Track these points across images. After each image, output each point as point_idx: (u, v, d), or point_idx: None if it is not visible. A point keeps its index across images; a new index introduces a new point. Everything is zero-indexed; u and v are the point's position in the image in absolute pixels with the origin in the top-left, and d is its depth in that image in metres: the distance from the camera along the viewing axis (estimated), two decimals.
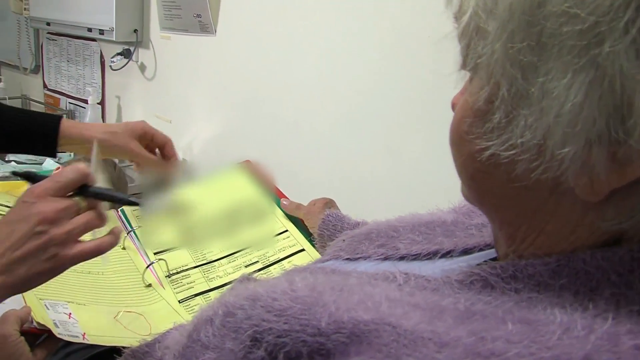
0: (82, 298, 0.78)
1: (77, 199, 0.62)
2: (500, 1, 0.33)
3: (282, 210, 0.96)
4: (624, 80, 0.29)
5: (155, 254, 0.90)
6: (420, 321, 0.32)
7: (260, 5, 1.56)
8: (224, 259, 0.90)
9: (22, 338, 0.65)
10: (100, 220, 0.63)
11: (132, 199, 0.67)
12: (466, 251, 0.48)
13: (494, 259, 0.44)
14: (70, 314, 0.74)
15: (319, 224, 0.88)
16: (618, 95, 0.29)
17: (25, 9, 2.37)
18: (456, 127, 0.38)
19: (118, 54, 2.00)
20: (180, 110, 1.90)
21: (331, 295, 0.36)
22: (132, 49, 1.98)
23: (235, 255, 0.90)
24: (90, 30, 2.00)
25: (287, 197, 0.97)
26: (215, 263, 0.90)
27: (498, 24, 0.33)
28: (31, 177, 0.66)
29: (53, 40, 2.45)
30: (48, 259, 0.58)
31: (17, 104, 2.62)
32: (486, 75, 0.34)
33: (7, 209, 0.87)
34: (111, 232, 0.64)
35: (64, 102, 2.45)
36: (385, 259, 0.51)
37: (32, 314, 0.69)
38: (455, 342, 0.31)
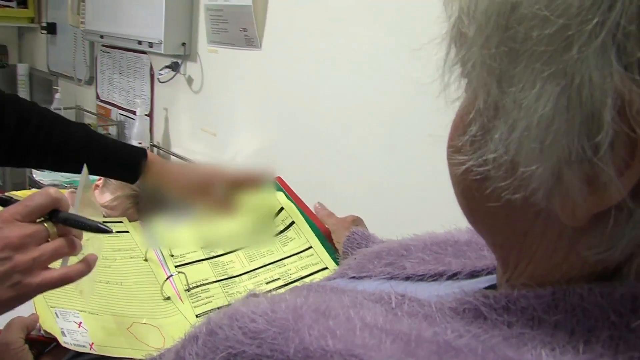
0: (96, 307, 0.78)
1: (46, 224, 0.60)
2: (479, 4, 0.30)
3: (309, 225, 0.95)
4: (593, 90, 0.26)
5: (176, 267, 0.90)
6: (390, 355, 0.30)
7: (304, 21, 1.55)
8: (245, 274, 0.89)
9: (26, 346, 0.64)
10: (71, 248, 0.61)
11: (103, 226, 0.63)
12: (473, 274, 0.45)
13: (494, 286, 0.41)
14: (80, 322, 0.73)
15: (343, 241, 0.86)
16: (587, 107, 0.26)
17: (81, 22, 2.44)
18: (448, 141, 0.36)
19: (166, 66, 2.03)
20: (225, 123, 1.91)
21: (309, 320, 0.33)
22: (179, 62, 2.00)
23: (257, 271, 0.90)
24: (140, 42, 2.04)
25: (314, 215, 0.96)
26: (237, 279, 0.88)
27: (476, 27, 0.30)
28: (4, 202, 0.64)
29: (107, 52, 2.51)
30: (11, 287, 0.55)
31: (71, 114, 2.69)
32: (467, 84, 0.32)
33: None
34: (83, 260, 0.62)
35: (115, 113, 2.50)
36: (391, 278, 0.49)
37: (39, 321, 0.68)
38: None
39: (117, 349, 0.72)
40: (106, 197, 1.14)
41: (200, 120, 2.03)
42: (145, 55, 2.25)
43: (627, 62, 0.25)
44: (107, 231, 0.63)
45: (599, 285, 0.30)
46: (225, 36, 1.81)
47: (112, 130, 2.45)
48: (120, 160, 0.91)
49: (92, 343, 0.70)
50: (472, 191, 0.35)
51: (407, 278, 0.48)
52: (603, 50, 0.26)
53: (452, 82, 0.34)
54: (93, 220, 0.64)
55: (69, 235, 0.61)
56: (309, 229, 0.93)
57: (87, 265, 0.62)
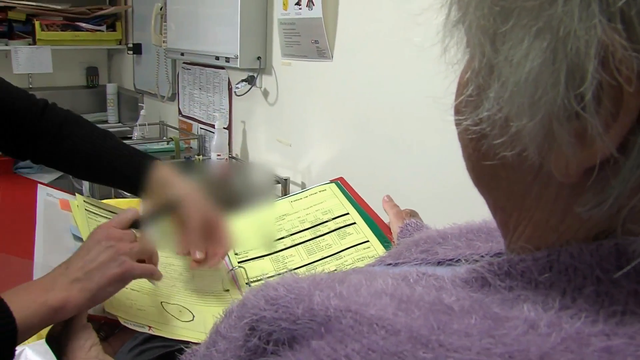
0: (161, 295, 0.83)
1: (132, 230, 0.78)
2: None
3: (367, 222, 0.98)
4: (578, 42, 0.27)
5: (239, 262, 0.93)
6: (384, 310, 0.32)
7: (374, 31, 1.56)
8: (304, 267, 0.91)
9: (90, 324, 0.70)
10: (153, 250, 0.78)
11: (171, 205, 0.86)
12: (499, 255, 0.46)
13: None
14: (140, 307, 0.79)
15: (397, 232, 0.87)
16: (572, 59, 0.27)
17: (163, 41, 2.56)
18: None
19: (242, 80, 2.09)
20: (300, 133, 1.95)
21: (324, 286, 0.36)
22: (255, 75, 2.06)
23: (315, 264, 0.92)
24: (217, 58, 2.12)
25: (376, 213, 0.98)
26: (296, 271, 0.91)
27: None
28: (136, 223, 0.82)
29: (187, 69, 2.62)
30: (119, 265, 0.71)
31: (155, 129, 2.83)
32: (465, 46, 0.34)
33: (112, 214, 0.96)
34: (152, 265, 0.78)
35: (196, 128, 2.60)
36: (424, 263, 0.50)
37: (104, 303, 0.74)
38: (406, 330, 0.30)
39: (175, 331, 0.76)
40: None
41: (276, 131, 2.08)
42: (223, 70, 2.33)
43: (609, 13, 0.26)
44: (174, 207, 0.85)
45: (591, 244, 0.31)
46: (297, 49, 1.85)
47: (194, 144, 2.55)
48: (126, 174, 0.95)
49: (150, 326, 0.74)
50: (470, 150, 0.36)
51: (439, 263, 0.49)
52: (587, 2, 0.26)
53: (452, 46, 0.35)
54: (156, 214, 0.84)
55: (149, 241, 0.79)
56: (368, 227, 0.96)
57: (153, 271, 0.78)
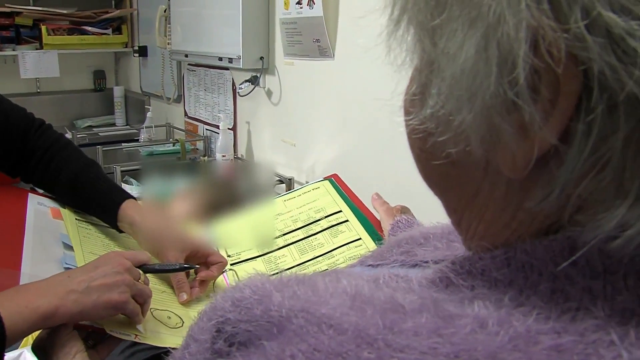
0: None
1: (140, 270, 0.80)
2: None
3: (359, 219, 0.98)
4: (507, 27, 0.26)
5: (231, 264, 0.94)
6: (336, 309, 0.31)
7: (375, 28, 1.55)
8: (295, 267, 0.92)
9: (76, 332, 0.71)
10: (149, 296, 0.79)
11: (187, 265, 0.90)
12: None
13: None
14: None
15: (389, 229, 0.87)
16: (504, 46, 0.27)
17: (168, 43, 2.56)
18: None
19: (246, 80, 2.09)
20: (304, 133, 1.94)
21: (285, 287, 0.36)
22: (258, 75, 2.06)
23: (307, 264, 0.92)
24: (220, 59, 2.11)
25: (369, 210, 0.98)
26: (288, 272, 0.90)
27: None
28: (184, 268, 0.89)
29: (192, 71, 2.62)
30: (119, 293, 0.72)
31: (162, 131, 2.83)
32: (407, 45, 0.33)
33: (101, 226, 0.97)
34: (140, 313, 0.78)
35: (202, 129, 2.60)
36: (402, 265, 0.49)
37: None
38: (354, 329, 0.29)
39: (161, 339, 0.76)
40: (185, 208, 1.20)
41: (281, 131, 2.07)
42: (227, 71, 2.33)
43: None
44: (191, 268, 0.90)
45: (544, 239, 0.30)
46: (299, 48, 1.84)
47: (200, 145, 2.55)
48: (100, 208, 1.00)
49: (136, 335, 0.74)
50: (418, 151, 0.36)
51: (415, 265, 0.48)
52: None
53: (395, 47, 0.35)
54: (174, 264, 0.88)
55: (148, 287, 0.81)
56: (360, 225, 0.95)
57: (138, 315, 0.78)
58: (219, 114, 2.41)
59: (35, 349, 0.72)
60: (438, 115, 0.31)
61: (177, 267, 0.87)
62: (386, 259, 0.51)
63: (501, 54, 0.27)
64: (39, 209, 0.93)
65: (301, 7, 1.76)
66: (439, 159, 0.33)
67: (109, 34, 3.24)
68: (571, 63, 0.25)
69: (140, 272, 0.80)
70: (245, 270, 0.93)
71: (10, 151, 0.96)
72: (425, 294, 0.33)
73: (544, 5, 0.25)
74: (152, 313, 0.81)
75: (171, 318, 0.82)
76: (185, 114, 2.75)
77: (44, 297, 0.67)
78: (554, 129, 0.27)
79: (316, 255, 0.93)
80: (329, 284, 0.35)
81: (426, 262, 0.47)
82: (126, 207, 0.95)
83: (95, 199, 0.98)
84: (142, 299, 0.77)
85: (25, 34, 3.07)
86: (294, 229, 0.99)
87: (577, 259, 0.28)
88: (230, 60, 2.05)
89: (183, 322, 0.82)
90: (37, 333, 0.72)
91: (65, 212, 0.95)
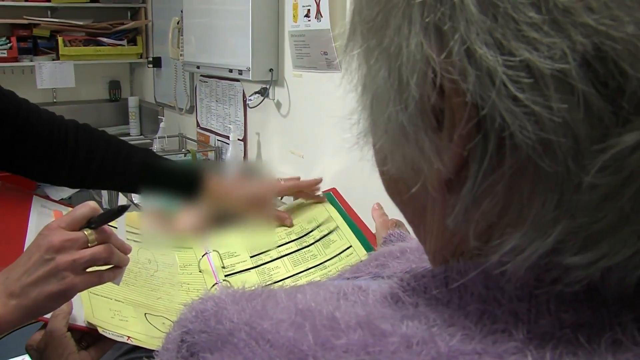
0: (144, 306, 0.83)
1: (85, 231, 0.69)
2: None
3: (353, 230, 0.99)
4: (403, 56, 0.28)
5: (225, 276, 0.94)
6: (278, 324, 0.32)
7: None
8: (289, 279, 0.92)
9: (68, 333, 0.71)
10: (108, 254, 0.69)
11: (124, 204, 0.74)
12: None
13: None
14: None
15: (381, 242, 0.87)
16: (401, 75, 0.28)
17: (180, 54, 2.60)
18: None
19: (255, 92, 2.11)
20: (311, 145, 1.95)
21: (241, 300, 0.36)
22: (267, 87, 2.07)
23: (299, 275, 0.92)
24: (231, 71, 2.14)
25: (365, 225, 0.98)
26: (280, 283, 0.91)
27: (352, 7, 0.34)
28: (122, 208, 0.74)
29: (204, 82, 2.65)
30: (58, 281, 0.65)
31: (174, 141, 2.86)
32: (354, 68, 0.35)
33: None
34: (112, 268, 0.71)
35: (213, 139, 2.62)
36: (374, 277, 0.49)
37: (84, 313, 0.74)
38: (289, 345, 0.30)
39: (154, 342, 0.77)
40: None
41: (289, 142, 2.08)
42: (238, 82, 2.35)
43: (425, 27, 0.27)
44: (125, 207, 0.73)
45: (476, 259, 0.30)
46: (308, 60, 1.86)
47: (211, 156, 2.57)
48: (181, 181, 0.99)
49: (129, 337, 0.75)
50: (374, 165, 0.37)
51: (382, 277, 0.48)
52: (409, 17, 0.27)
53: (349, 71, 0.36)
54: (114, 207, 0.75)
55: (108, 243, 0.70)
56: (352, 233, 0.96)
57: (114, 274, 0.72)
58: (229, 125, 2.43)
59: (29, 349, 0.73)
60: (365, 135, 0.33)
61: (117, 209, 0.73)
62: (361, 272, 0.52)
63: (398, 83, 0.28)
64: (42, 211, 0.95)
65: (309, 20, 1.77)
66: (383, 174, 0.34)
67: (124, 45, 3.28)
68: (458, 95, 0.26)
69: (85, 233, 0.68)
70: (239, 281, 0.94)
71: (49, 157, 0.98)
72: (373, 309, 0.33)
73: (432, 38, 0.26)
74: (146, 318, 0.82)
75: (165, 324, 0.83)
76: (198, 125, 2.77)
77: None
78: (450, 157, 0.28)
79: (309, 267, 0.94)
80: (284, 298, 0.35)
81: (391, 276, 0.47)
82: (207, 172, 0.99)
83: (176, 173, 1.00)
84: (102, 261, 0.69)
85: (43, 45, 3.13)
86: (288, 241, 0.99)
87: (504, 284, 0.28)
88: (240, 72, 2.07)
89: None
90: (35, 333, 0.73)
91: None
